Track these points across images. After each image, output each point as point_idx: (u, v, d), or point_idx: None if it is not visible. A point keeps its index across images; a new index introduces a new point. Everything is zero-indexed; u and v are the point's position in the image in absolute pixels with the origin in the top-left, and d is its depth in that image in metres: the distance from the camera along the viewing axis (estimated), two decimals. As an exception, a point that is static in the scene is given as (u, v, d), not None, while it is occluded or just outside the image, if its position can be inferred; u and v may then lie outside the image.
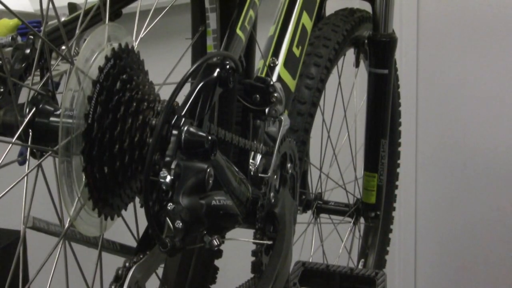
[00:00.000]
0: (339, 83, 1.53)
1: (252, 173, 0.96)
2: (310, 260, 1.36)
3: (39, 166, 0.70)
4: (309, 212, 1.56)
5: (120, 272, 0.70)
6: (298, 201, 1.08)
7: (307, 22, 1.13)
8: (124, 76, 0.69)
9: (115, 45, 0.70)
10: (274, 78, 1.04)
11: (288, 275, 0.93)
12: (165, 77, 0.84)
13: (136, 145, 0.70)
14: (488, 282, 2.52)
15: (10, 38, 0.83)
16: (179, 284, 1.00)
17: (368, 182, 1.54)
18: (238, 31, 0.91)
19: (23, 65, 0.76)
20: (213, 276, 1.05)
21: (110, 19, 0.76)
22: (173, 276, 0.99)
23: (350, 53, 1.49)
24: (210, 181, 0.73)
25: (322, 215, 1.59)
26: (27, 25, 0.69)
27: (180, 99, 0.74)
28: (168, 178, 0.69)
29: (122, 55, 0.70)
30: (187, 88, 0.75)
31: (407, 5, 2.42)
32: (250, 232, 0.91)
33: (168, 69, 0.85)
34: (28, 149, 0.70)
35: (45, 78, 0.75)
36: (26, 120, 0.69)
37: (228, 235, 0.83)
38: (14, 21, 0.93)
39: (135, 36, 0.79)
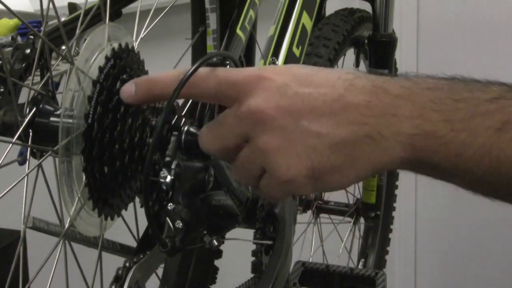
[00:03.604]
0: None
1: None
2: (310, 260, 1.36)
3: (39, 166, 0.70)
4: (309, 212, 1.56)
5: (120, 272, 0.70)
6: (298, 201, 1.08)
7: (307, 22, 1.13)
8: (124, 76, 0.69)
9: (115, 45, 0.69)
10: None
11: (288, 275, 0.93)
12: (165, 77, 0.84)
13: (136, 145, 0.70)
14: (488, 282, 2.52)
15: (10, 38, 0.83)
16: (179, 284, 1.00)
17: (368, 182, 1.54)
18: (238, 31, 0.91)
19: (23, 65, 0.76)
20: (213, 276, 1.05)
21: (110, 19, 0.76)
22: (173, 276, 0.99)
23: (350, 53, 1.49)
24: (210, 181, 0.73)
25: (322, 215, 1.59)
26: (27, 25, 0.69)
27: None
28: (168, 178, 0.69)
29: (122, 55, 0.70)
30: (187, 88, 0.75)
31: (407, 5, 2.42)
32: (250, 232, 0.91)
33: (168, 69, 0.85)
34: (28, 149, 0.70)
35: (45, 78, 0.75)
36: (26, 120, 0.69)
37: (228, 235, 0.83)
38: (14, 21, 0.93)
39: (135, 36, 0.79)
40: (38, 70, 0.76)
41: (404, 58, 2.38)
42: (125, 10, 0.94)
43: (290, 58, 1.07)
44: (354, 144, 0.62)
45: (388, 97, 0.62)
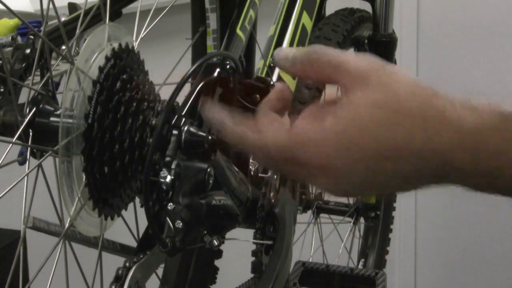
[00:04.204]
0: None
1: (252, 173, 0.96)
2: (310, 260, 1.36)
3: (39, 166, 0.70)
4: (309, 212, 1.56)
5: (120, 272, 0.70)
6: (298, 201, 1.08)
7: (307, 22, 1.13)
8: (124, 76, 0.69)
9: (115, 45, 0.69)
10: (274, 78, 1.04)
11: (288, 275, 0.93)
12: (165, 77, 0.84)
13: (136, 145, 0.70)
14: (488, 282, 2.52)
15: (10, 38, 0.83)
16: (179, 284, 1.00)
17: (368, 182, 1.54)
18: (238, 31, 0.91)
19: (23, 65, 0.76)
20: (213, 276, 1.05)
21: (110, 19, 0.76)
22: (173, 276, 0.99)
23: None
24: (210, 181, 0.73)
25: (322, 215, 1.59)
26: (27, 25, 0.69)
27: (180, 99, 0.74)
28: (168, 178, 0.69)
29: (122, 55, 0.70)
30: (187, 88, 0.75)
31: (407, 5, 2.42)
32: (250, 232, 0.91)
33: (168, 69, 0.85)
34: (28, 149, 0.70)
35: (45, 78, 0.75)
36: (26, 120, 0.69)
37: (228, 235, 0.83)
38: (14, 21, 0.93)
39: (135, 36, 0.79)
40: (38, 70, 0.76)
41: (404, 58, 2.38)
42: (125, 10, 0.94)
43: (290, 58, 1.07)
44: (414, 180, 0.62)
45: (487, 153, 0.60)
